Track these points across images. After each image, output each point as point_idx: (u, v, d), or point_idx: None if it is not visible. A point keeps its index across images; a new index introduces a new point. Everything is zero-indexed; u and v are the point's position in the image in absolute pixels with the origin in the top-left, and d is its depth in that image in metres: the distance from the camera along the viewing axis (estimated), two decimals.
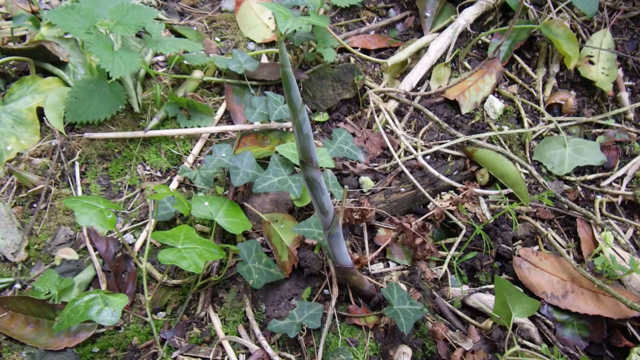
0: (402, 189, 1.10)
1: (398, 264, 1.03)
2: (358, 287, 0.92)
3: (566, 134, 1.25)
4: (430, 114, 1.25)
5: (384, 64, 1.31)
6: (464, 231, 1.06)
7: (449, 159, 1.18)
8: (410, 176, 1.10)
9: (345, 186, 0.90)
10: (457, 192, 1.10)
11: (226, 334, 0.91)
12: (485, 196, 1.13)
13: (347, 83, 1.24)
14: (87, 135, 1.09)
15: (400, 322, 0.85)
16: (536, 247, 1.08)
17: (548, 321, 0.97)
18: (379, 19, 1.47)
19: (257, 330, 0.90)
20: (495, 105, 1.27)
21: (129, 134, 1.11)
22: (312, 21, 1.07)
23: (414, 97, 1.28)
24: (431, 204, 1.09)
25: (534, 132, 1.26)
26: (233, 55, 1.16)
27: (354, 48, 1.33)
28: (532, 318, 0.98)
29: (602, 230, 1.08)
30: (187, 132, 1.13)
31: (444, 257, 1.03)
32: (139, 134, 1.11)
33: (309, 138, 0.54)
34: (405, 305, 0.88)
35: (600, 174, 1.21)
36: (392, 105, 1.27)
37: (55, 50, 1.15)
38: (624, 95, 1.34)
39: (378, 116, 1.24)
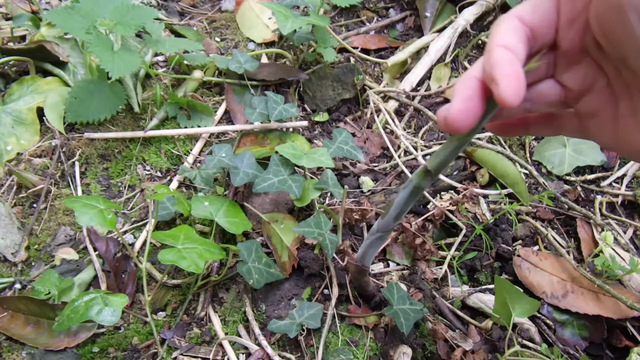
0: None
1: (398, 264, 1.03)
2: (364, 287, 0.92)
3: None
4: (430, 114, 1.25)
5: (384, 64, 1.31)
6: (464, 231, 1.06)
7: None
8: (410, 176, 1.09)
9: (345, 186, 0.91)
10: (457, 192, 1.10)
11: (226, 334, 0.91)
12: (485, 196, 1.13)
13: (347, 83, 1.24)
14: (87, 135, 1.09)
15: (400, 322, 0.85)
16: (536, 247, 1.08)
17: (548, 321, 0.97)
18: (379, 19, 1.47)
19: (257, 330, 0.90)
20: None
21: (129, 134, 1.11)
22: (312, 21, 1.07)
23: (414, 97, 1.28)
24: (431, 204, 1.09)
25: None
26: (233, 55, 1.16)
27: (354, 48, 1.33)
28: (532, 318, 0.98)
29: (602, 230, 1.08)
30: (187, 132, 1.13)
31: (444, 257, 1.03)
32: (139, 134, 1.11)
33: (457, 154, 0.54)
34: (405, 305, 0.88)
35: (600, 174, 1.21)
36: (392, 105, 1.27)
37: (55, 50, 1.15)
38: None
39: (378, 116, 1.24)
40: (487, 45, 0.42)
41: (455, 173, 1.15)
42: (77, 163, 1.09)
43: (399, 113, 1.28)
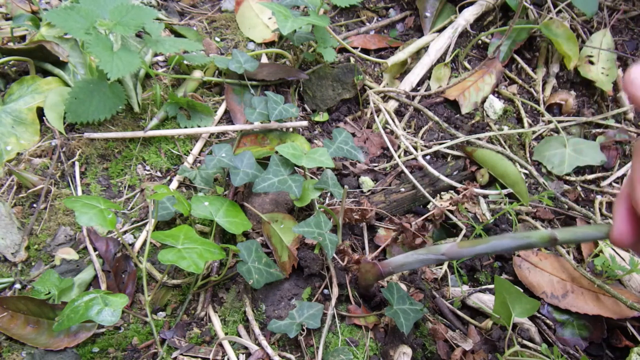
0: (402, 189, 1.10)
1: None
2: (368, 288, 0.92)
3: (566, 134, 1.25)
4: (430, 114, 1.25)
5: (384, 64, 1.31)
6: (464, 231, 1.06)
7: (449, 159, 1.19)
8: (410, 176, 1.10)
9: (345, 186, 0.91)
10: (457, 192, 1.10)
11: (226, 334, 0.91)
12: (485, 196, 1.13)
13: (347, 83, 1.24)
14: (87, 135, 1.09)
15: (400, 322, 0.85)
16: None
17: (548, 321, 0.97)
18: (379, 19, 1.47)
19: (257, 330, 0.90)
20: (495, 105, 1.27)
21: (129, 134, 1.11)
22: (312, 21, 1.07)
23: (414, 97, 1.28)
24: (431, 204, 1.09)
25: (534, 132, 1.26)
26: (233, 55, 1.16)
27: (354, 48, 1.33)
28: (532, 318, 0.98)
29: None
30: (187, 132, 1.13)
31: None
32: (139, 134, 1.11)
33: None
34: (405, 305, 0.88)
35: (600, 174, 1.21)
36: (392, 105, 1.27)
37: (55, 50, 1.15)
38: (624, 95, 1.34)
39: (378, 116, 1.24)
40: (632, 176, 0.49)
41: (455, 173, 1.15)
42: (77, 163, 1.09)
43: (399, 113, 1.28)
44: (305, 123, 1.16)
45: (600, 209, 1.14)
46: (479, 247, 0.69)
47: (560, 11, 1.39)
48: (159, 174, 1.12)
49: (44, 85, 1.14)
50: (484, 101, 1.29)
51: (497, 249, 0.68)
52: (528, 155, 1.22)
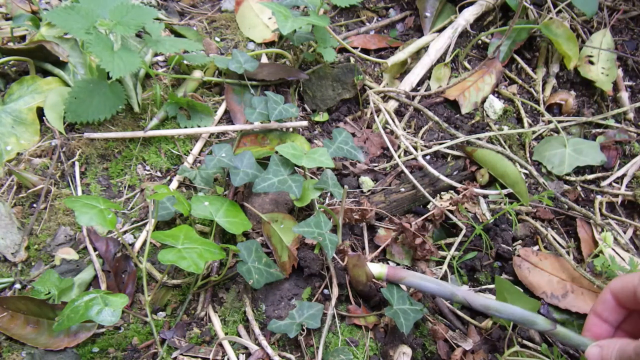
0: (402, 189, 1.10)
1: (398, 264, 1.03)
2: (361, 286, 0.92)
3: (566, 134, 1.25)
4: (430, 114, 1.25)
5: (384, 64, 1.31)
6: (464, 231, 1.06)
7: (449, 159, 1.19)
8: (410, 176, 1.10)
9: (345, 186, 0.91)
10: (457, 192, 1.10)
11: (226, 334, 0.91)
12: (485, 196, 1.13)
13: (347, 83, 1.24)
14: (87, 135, 1.09)
15: (400, 322, 0.85)
16: (536, 247, 1.08)
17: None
18: (379, 19, 1.47)
19: (257, 330, 0.90)
20: (495, 105, 1.27)
21: (129, 134, 1.11)
22: (312, 21, 1.07)
23: (414, 97, 1.28)
24: (431, 204, 1.09)
25: (534, 132, 1.26)
26: (233, 55, 1.16)
27: (354, 48, 1.33)
28: None
29: (602, 230, 1.08)
30: (187, 132, 1.13)
31: (444, 257, 1.03)
32: (139, 134, 1.11)
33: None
34: (405, 305, 0.88)
35: (600, 174, 1.21)
36: (392, 105, 1.27)
37: (55, 50, 1.15)
38: (624, 95, 1.34)
39: (378, 116, 1.24)
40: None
41: (455, 173, 1.15)
42: (77, 163, 1.09)
43: (399, 113, 1.28)
44: (305, 123, 1.17)
45: (600, 209, 1.14)
46: (492, 302, 0.79)
47: (560, 11, 1.39)
48: (159, 174, 1.12)
49: (44, 85, 1.14)
50: (484, 101, 1.29)
51: (507, 311, 0.78)
52: (528, 155, 1.22)
